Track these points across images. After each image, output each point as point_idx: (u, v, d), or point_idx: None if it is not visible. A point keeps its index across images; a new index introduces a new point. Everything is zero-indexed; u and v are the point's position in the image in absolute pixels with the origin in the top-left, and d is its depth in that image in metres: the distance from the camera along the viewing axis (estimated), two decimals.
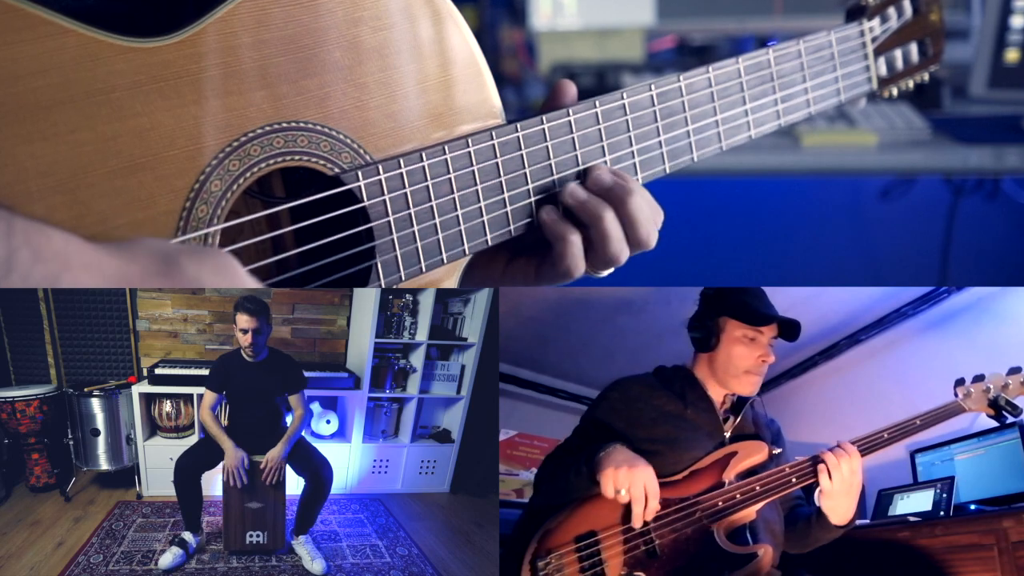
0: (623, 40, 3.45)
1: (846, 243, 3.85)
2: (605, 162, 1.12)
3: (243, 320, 1.98)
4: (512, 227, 1.08)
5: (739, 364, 1.27)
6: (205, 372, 2.23)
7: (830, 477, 1.16)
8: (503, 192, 1.07)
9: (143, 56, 0.87)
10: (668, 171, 1.17)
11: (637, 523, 1.13)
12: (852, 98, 1.35)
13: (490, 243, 1.06)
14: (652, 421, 1.25)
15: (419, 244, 1.02)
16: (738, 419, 1.27)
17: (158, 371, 2.53)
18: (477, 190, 1.05)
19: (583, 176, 1.10)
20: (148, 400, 2.54)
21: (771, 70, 1.25)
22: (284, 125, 0.95)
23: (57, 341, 2.69)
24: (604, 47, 3.45)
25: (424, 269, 1.02)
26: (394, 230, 1.00)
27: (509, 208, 1.07)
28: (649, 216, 1.06)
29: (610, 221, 1.05)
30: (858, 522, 1.65)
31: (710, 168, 2.81)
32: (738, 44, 3.53)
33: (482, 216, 1.06)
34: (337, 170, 0.98)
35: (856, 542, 1.52)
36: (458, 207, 1.04)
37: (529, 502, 1.31)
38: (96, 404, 2.49)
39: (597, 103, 1.12)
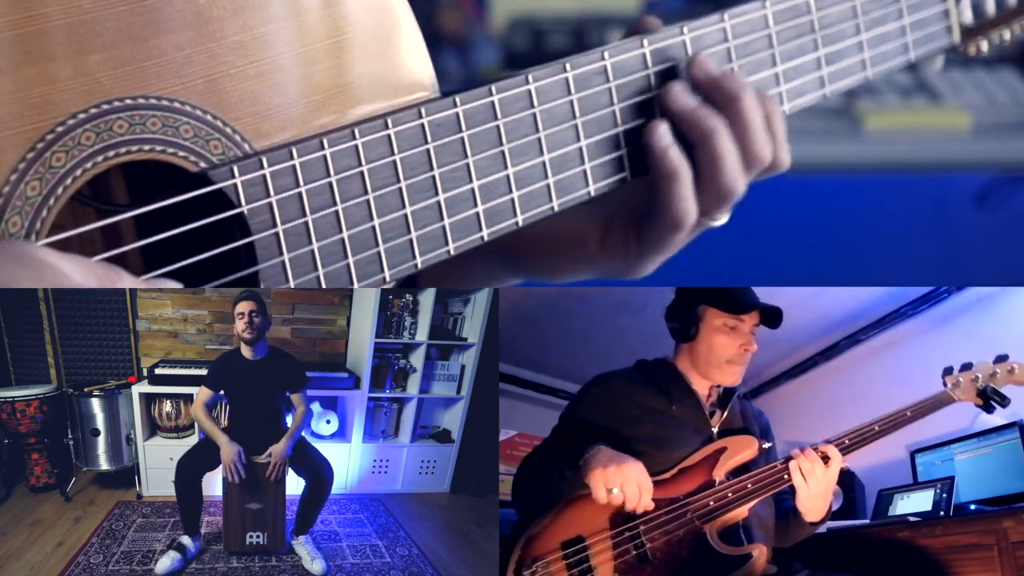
0: None
1: (928, 263, 2.93)
2: (580, 149, 0.85)
3: (241, 306, 1.98)
4: (451, 246, 0.79)
5: (720, 354, 1.22)
6: (205, 372, 2.23)
7: (805, 480, 1.13)
8: (437, 192, 0.78)
9: None
10: None
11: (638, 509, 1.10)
12: (925, 56, 1.02)
13: (420, 267, 0.78)
14: (636, 419, 1.21)
15: (321, 271, 0.74)
16: (725, 413, 1.24)
17: (158, 371, 2.53)
18: (400, 189, 0.76)
19: (686, 70, 0.85)
20: (148, 400, 2.54)
21: (811, 17, 0.94)
22: (128, 102, 0.68)
23: (57, 341, 2.69)
24: None
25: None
26: (284, 248, 0.73)
27: (447, 217, 0.79)
28: (762, 124, 0.85)
29: (724, 138, 0.83)
30: (858, 522, 1.66)
31: None
32: None
33: (409, 230, 0.77)
34: (204, 164, 0.70)
35: (856, 542, 1.52)
36: (374, 215, 0.75)
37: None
38: (96, 404, 2.49)
39: (568, 66, 0.84)
